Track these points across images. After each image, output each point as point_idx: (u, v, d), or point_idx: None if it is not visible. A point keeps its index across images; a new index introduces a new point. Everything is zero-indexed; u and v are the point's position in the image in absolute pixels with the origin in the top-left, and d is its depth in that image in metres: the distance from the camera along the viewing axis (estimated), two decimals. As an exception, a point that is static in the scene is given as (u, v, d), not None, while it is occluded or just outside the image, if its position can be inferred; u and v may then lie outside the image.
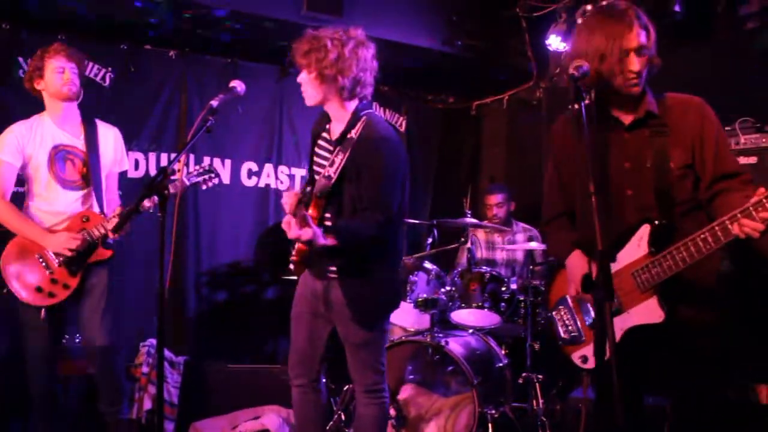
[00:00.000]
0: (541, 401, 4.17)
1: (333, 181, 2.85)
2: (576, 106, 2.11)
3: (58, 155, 3.58)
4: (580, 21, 2.41)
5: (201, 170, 3.66)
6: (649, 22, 2.33)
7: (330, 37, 2.83)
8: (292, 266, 2.96)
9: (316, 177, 2.96)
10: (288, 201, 2.75)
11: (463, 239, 4.58)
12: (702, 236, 2.14)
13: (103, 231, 3.51)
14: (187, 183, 3.61)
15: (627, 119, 2.40)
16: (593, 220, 1.95)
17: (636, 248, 2.33)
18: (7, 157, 3.51)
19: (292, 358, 3.14)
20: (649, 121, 2.37)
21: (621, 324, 2.33)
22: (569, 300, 2.60)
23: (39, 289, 3.48)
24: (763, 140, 3.69)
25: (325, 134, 3.02)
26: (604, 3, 2.46)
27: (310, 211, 2.86)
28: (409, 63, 5.70)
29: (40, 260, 3.50)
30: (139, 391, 4.27)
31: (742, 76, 4.07)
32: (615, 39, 2.26)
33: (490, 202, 5.28)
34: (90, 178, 3.62)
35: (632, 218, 2.37)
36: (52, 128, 3.61)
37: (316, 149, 3.04)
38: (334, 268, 2.94)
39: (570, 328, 2.58)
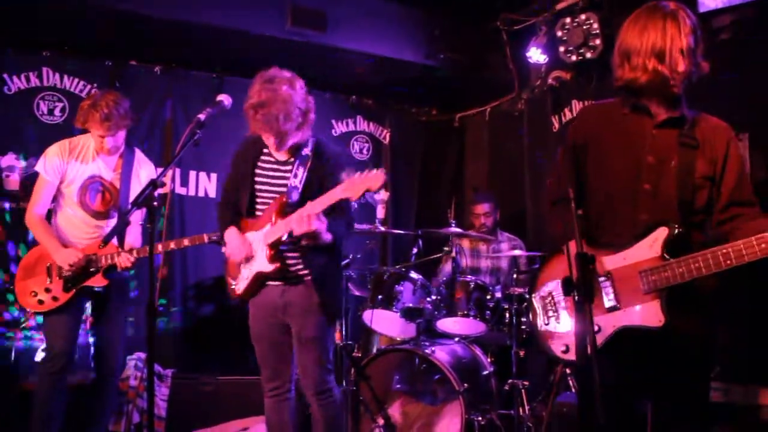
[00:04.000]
0: (527, 408, 4.22)
1: (300, 189, 3.12)
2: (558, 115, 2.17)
3: (92, 185, 3.80)
4: (630, 18, 2.41)
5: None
6: (699, 26, 2.35)
7: (284, 91, 3.01)
8: (241, 292, 3.24)
9: (262, 191, 3.21)
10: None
11: (446, 248, 4.62)
12: (724, 251, 2.15)
13: (110, 261, 3.70)
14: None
15: (660, 116, 2.39)
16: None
17: (648, 249, 2.29)
18: (49, 177, 3.76)
19: (265, 374, 3.28)
20: (681, 125, 2.38)
21: (614, 321, 2.31)
22: (560, 286, 2.42)
23: (33, 294, 3.72)
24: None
25: (266, 156, 3.24)
26: (653, 2, 2.41)
27: (273, 218, 3.10)
28: (393, 76, 5.78)
29: (47, 269, 3.73)
30: (126, 404, 4.28)
31: (715, 87, 4.16)
32: (668, 38, 2.28)
33: (477, 212, 5.31)
34: (113, 210, 3.83)
35: (645, 214, 2.34)
36: (93, 155, 3.82)
37: (258, 170, 3.23)
38: (299, 263, 3.14)
39: (554, 315, 2.47)
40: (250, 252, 3.16)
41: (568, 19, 4.78)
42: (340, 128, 6.15)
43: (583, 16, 4.71)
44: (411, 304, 4.23)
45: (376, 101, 6.30)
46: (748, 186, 2.37)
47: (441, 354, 4.01)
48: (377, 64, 5.45)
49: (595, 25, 4.65)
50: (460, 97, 6.42)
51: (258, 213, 3.23)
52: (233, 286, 3.29)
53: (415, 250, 4.75)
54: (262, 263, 3.13)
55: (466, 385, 3.86)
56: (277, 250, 3.10)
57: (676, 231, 2.27)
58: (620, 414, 2.33)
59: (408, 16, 5.47)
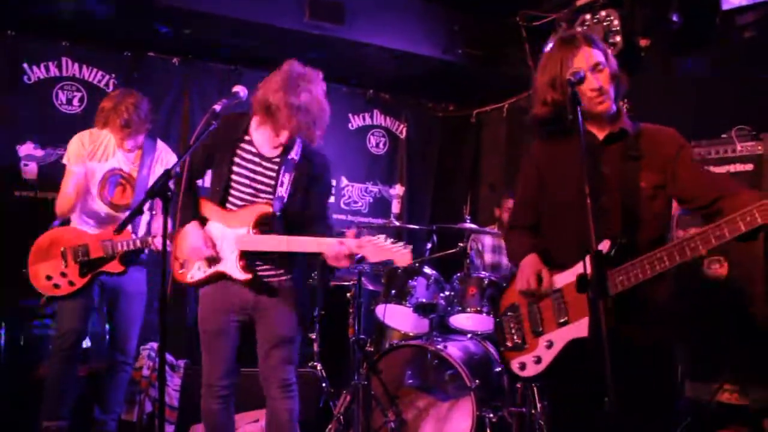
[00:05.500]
0: (539, 406, 4.18)
1: (285, 200, 3.00)
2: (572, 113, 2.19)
3: (112, 178, 3.85)
4: (543, 57, 2.50)
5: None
6: (605, 44, 2.45)
7: (320, 96, 2.92)
8: (194, 281, 3.09)
9: (239, 183, 3.02)
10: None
11: (461, 244, 4.60)
12: (658, 255, 2.18)
13: (125, 247, 3.72)
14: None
15: (601, 134, 2.45)
16: (586, 222, 2.03)
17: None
18: (75, 167, 3.80)
19: (219, 370, 3.13)
20: (623, 140, 2.42)
21: (565, 335, 2.39)
22: (520, 306, 2.58)
23: (48, 278, 3.72)
24: (759, 148, 3.72)
25: (247, 145, 3.04)
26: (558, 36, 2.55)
27: (251, 227, 2.97)
28: (410, 71, 5.75)
29: (62, 253, 3.73)
30: (139, 393, 4.30)
31: (739, 85, 4.11)
32: (567, 64, 2.36)
33: (510, 206, 5.26)
34: (132, 201, 3.85)
35: (590, 231, 2.31)
36: (113, 149, 3.86)
37: (237, 159, 3.03)
38: (271, 272, 3.06)
39: (515, 334, 2.57)
40: (214, 253, 2.98)
41: (588, 16, 4.72)
42: (356, 122, 6.14)
43: (603, 13, 4.65)
44: (424, 300, 4.22)
45: (393, 96, 6.29)
46: (713, 175, 2.43)
47: (453, 350, 3.99)
48: (395, 58, 5.43)
49: (616, 22, 4.59)
50: (478, 93, 6.39)
51: (230, 206, 3.03)
52: (182, 271, 3.09)
53: (429, 246, 4.74)
54: (234, 270, 2.97)
55: (477, 381, 3.84)
56: (249, 260, 2.97)
57: (618, 243, 2.30)
58: (579, 420, 2.40)
59: (427, 10, 5.44)
